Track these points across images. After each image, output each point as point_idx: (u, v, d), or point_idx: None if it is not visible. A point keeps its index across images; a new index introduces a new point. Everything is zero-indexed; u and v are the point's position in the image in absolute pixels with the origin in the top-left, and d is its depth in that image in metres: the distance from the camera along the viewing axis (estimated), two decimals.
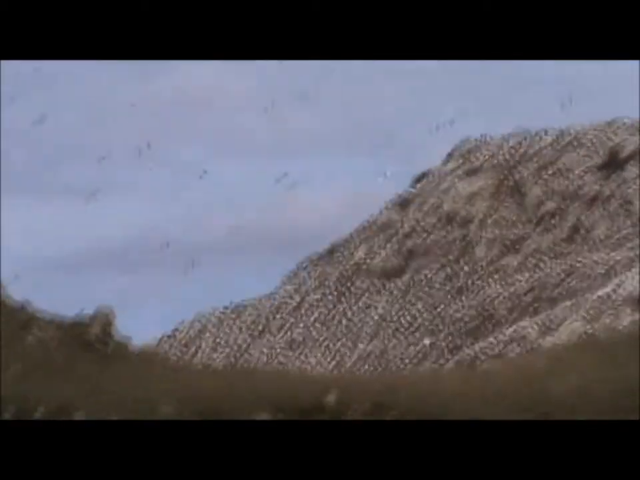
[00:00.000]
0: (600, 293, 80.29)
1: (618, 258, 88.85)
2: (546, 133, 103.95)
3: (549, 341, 74.32)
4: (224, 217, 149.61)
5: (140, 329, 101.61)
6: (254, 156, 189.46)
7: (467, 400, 49.82)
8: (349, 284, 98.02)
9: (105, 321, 54.09)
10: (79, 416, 48.73)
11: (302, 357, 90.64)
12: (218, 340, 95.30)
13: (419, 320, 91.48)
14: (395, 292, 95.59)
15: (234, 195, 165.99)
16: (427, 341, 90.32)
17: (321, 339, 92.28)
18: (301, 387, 52.00)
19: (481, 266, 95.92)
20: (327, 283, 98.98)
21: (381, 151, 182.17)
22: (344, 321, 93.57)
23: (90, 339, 54.38)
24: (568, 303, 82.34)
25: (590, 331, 73.50)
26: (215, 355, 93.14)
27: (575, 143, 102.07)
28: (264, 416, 48.08)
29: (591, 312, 77.53)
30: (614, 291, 79.33)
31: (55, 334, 53.37)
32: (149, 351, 62.47)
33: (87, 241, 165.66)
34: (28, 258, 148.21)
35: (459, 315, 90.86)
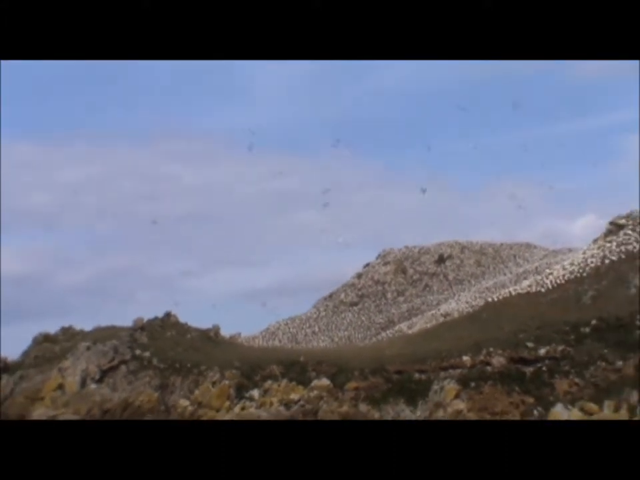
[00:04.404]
0: (431, 312, 79.04)
1: (440, 298, 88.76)
2: (414, 247, 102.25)
3: (412, 331, 71.99)
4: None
5: (255, 326, 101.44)
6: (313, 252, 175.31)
7: (365, 356, 49.85)
8: (336, 308, 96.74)
9: (216, 328, 54.75)
10: (203, 368, 48.17)
11: (318, 339, 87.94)
12: (284, 332, 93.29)
13: (365, 324, 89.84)
14: (354, 312, 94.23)
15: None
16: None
17: (325, 331, 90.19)
18: (291, 354, 52.49)
19: (390, 301, 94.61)
20: (327, 307, 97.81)
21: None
22: (333, 324, 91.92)
23: (210, 336, 54.90)
24: (420, 316, 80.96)
25: (427, 327, 71.75)
26: (284, 339, 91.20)
27: (426, 252, 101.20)
28: (275, 369, 47.58)
29: (427, 319, 76.61)
30: (434, 312, 78.11)
31: (193, 334, 53.77)
32: (236, 339, 62.44)
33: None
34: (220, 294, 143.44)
35: (380, 321, 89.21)
